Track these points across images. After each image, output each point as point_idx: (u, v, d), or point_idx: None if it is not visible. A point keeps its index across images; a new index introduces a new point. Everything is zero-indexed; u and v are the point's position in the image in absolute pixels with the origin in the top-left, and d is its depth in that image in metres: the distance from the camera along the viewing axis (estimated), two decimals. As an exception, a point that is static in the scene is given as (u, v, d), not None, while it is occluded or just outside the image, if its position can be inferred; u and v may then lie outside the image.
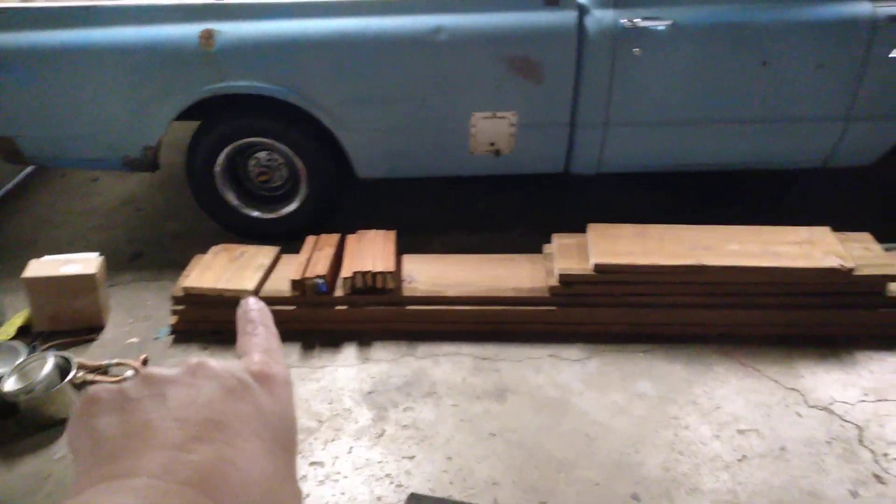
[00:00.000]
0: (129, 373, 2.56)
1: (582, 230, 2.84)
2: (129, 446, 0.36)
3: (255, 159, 3.24)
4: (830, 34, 2.80)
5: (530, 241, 3.04)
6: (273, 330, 0.49)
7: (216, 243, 3.02)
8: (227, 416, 0.38)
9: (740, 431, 2.25)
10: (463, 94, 2.94)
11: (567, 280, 2.66)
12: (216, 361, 0.42)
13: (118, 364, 2.62)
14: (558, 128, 3.01)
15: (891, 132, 3.01)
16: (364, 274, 2.68)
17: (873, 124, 2.98)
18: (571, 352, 2.62)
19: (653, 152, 3.11)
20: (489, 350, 2.65)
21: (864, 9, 2.77)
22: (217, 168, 3.17)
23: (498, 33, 2.82)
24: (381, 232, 2.96)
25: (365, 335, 2.73)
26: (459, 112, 2.97)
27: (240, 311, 0.50)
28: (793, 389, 2.40)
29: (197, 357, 0.41)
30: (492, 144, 3.04)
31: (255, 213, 3.31)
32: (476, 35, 2.82)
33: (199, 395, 0.39)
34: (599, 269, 2.61)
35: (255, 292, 2.73)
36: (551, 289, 2.69)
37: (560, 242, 2.83)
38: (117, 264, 3.29)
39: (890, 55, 2.80)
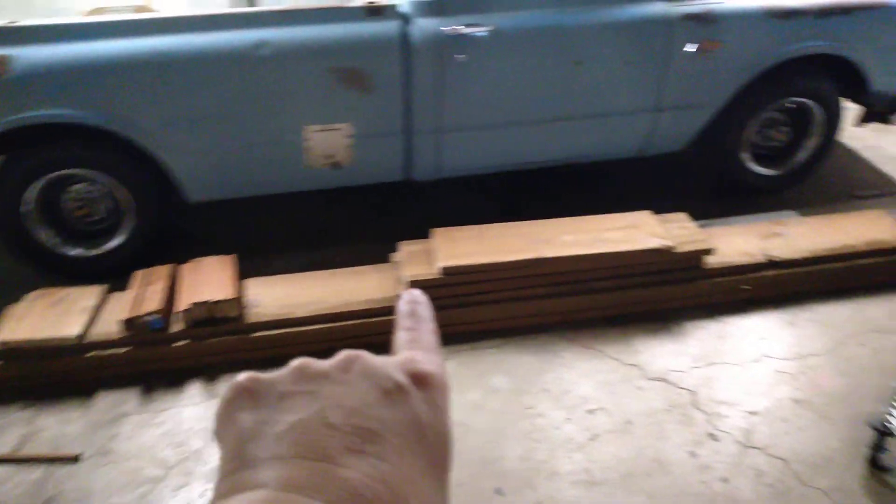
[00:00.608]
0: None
1: (426, 236, 2.87)
2: (272, 451, 0.32)
3: (71, 192, 2.98)
4: (633, 33, 3.02)
5: (377, 251, 3.02)
6: (433, 326, 0.45)
7: (33, 290, 2.74)
8: (382, 424, 0.34)
9: (589, 411, 2.36)
10: (292, 108, 2.88)
11: (417, 286, 2.67)
12: (372, 356, 0.38)
13: (-77, 439, 2.30)
14: (394, 137, 3.02)
15: (695, 120, 3.30)
16: (202, 304, 2.54)
17: (679, 113, 3.26)
18: (426, 357, 2.63)
19: (487, 154, 3.21)
20: (344, 366, 2.60)
21: (660, 8, 3.01)
22: (26, 207, 2.89)
23: (322, 46, 2.79)
24: (218, 258, 2.82)
25: (211, 369, 2.59)
26: (291, 127, 2.90)
27: (401, 304, 0.46)
28: (632, 365, 2.56)
29: (352, 350, 0.37)
30: (329, 157, 3.00)
31: (76, 252, 3.04)
32: (300, 48, 2.77)
33: (352, 395, 0.35)
34: (447, 271, 2.65)
35: (82, 337, 2.51)
36: (401, 297, 2.69)
37: (407, 250, 2.84)
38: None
39: (685, 50, 3.07)
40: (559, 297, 2.76)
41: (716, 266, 2.83)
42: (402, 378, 0.38)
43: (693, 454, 2.18)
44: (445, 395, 0.40)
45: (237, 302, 2.61)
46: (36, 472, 2.20)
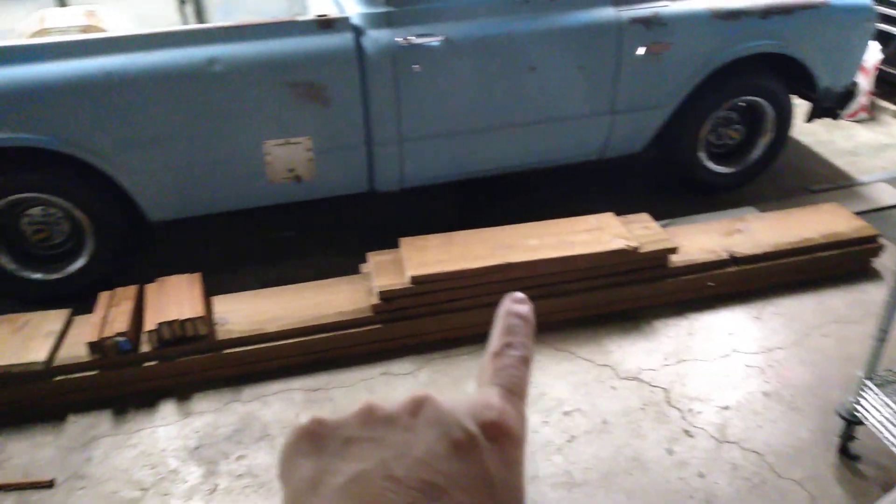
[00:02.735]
0: None
1: (394, 245, 2.87)
2: None
3: (29, 216, 2.91)
4: (584, 38, 3.08)
5: (345, 263, 3.01)
6: (529, 352, 0.42)
7: (-7, 316, 2.68)
8: (449, 479, 0.32)
9: (566, 413, 2.39)
10: (250, 123, 2.85)
11: (387, 296, 2.68)
12: (444, 399, 0.35)
13: None
14: (355, 149, 3.02)
15: (651, 121, 3.37)
16: (171, 323, 2.51)
17: (635, 115, 3.32)
18: (402, 366, 2.64)
19: (449, 162, 3.23)
20: (320, 380, 2.59)
21: (609, 13, 3.07)
22: (-18, 232, 2.82)
23: (276, 60, 2.78)
24: (185, 276, 2.78)
25: (182, 388, 2.55)
26: (249, 142, 2.88)
27: (504, 306, 0.43)
28: (605, 365, 2.60)
29: (423, 391, 0.35)
30: (291, 171, 2.99)
31: (38, 276, 2.97)
32: (253, 64, 2.76)
33: (418, 444, 0.33)
34: (416, 280, 2.65)
35: (48, 362, 2.45)
36: (374, 307, 2.69)
37: (376, 260, 2.84)
38: None
39: (636, 53, 3.14)
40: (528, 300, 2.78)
41: (681, 264, 2.89)
42: (473, 428, 0.35)
43: (670, 451, 2.22)
44: (521, 448, 0.38)
45: (205, 320, 2.57)
46: (8, 501, 2.14)
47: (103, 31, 4.15)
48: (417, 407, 0.36)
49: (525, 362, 0.42)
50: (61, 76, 2.60)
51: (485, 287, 2.72)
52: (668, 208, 3.40)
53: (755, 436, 2.26)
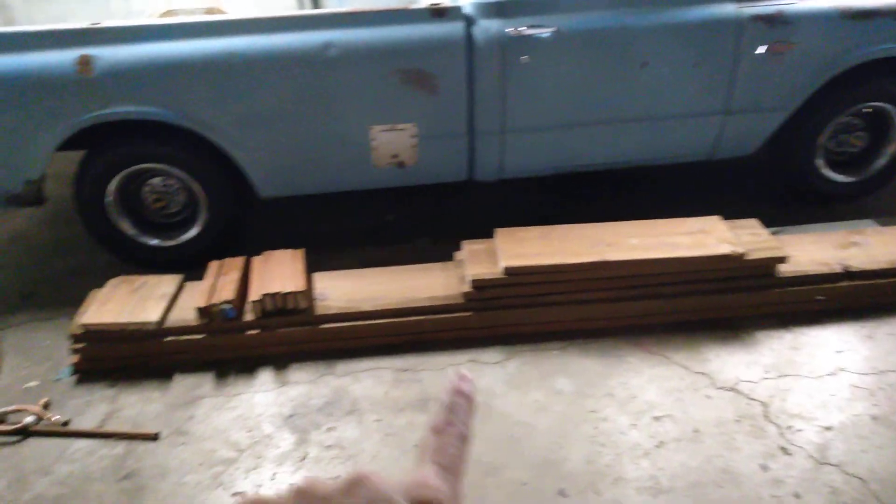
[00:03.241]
0: (30, 419, 2.39)
1: (489, 235, 2.88)
2: None
3: (150, 185, 3.11)
4: (702, 35, 2.97)
5: (441, 250, 3.05)
6: (467, 430, 0.44)
7: (113, 276, 2.88)
8: None
9: (656, 418, 2.33)
10: (359, 108, 2.93)
11: (479, 285, 2.69)
12: (380, 478, 0.37)
13: (16, 410, 2.44)
14: (458, 137, 3.05)
15: (766, 124, 3.22)
16: (274, 296, 2.62)
17: (749, 117, 3.19)
18: (490, 355, 2.65)
19: (550, 155, 3.20)
20: (409, 361, 2.64)
21: (730, 10, 2.96)
22: (108, 198, 3.02)
23: (388, 47, 2.83)
24: (289, 251, 2.90)
25: (280, 358, 2.67)
26: (358, 126, 2.96)
27: (451, 385, 0.45)
28: (700, 373, 2.52)
29: (360, 471, 0.36)
30: (394, 157, 3.05)
31: (154, 242, 3.17)
32: (366, 49, 2.82)
33: None
34: (509, 272, 2.66)
35: (160, 323, 2.61)
36: (465, 295, 2.71)
37: (470, 249, 2.86)
38: (8, 306, 3.07)
39: (756, 52, 3.00)
40: (625, 300, 2.74)
41: (789, 275, 2.76)
42: None
43: (764, 467, 2.13)
44: None
45: (306, 294, 2.67)
46: (118, 448, 2.30)
47: (225, 13, 4.37)
48: (354, 487, 0.36)
49: (464, 441, 0.43)
50: (187, 55, 2.75)
51: (580, 283, 2.69)
52: (778, 215, 3.24)
53: (859, 460, 2.14)
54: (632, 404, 2.39)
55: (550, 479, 2.12)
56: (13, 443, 2.36)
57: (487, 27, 2.86)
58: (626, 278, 2.70)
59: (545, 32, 2.87)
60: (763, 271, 2.74)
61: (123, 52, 2.73)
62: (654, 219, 2.90)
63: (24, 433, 2.38)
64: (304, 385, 2.55)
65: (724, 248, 2.68)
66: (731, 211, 2.96)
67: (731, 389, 2.43)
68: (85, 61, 2.70)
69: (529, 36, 2.86)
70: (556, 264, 2.65)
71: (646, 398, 2.41)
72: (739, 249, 2.67)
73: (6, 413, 2.43)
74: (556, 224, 2.88)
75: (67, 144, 2.87)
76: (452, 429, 0.43)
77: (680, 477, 2.11)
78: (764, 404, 2.36)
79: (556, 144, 3.16)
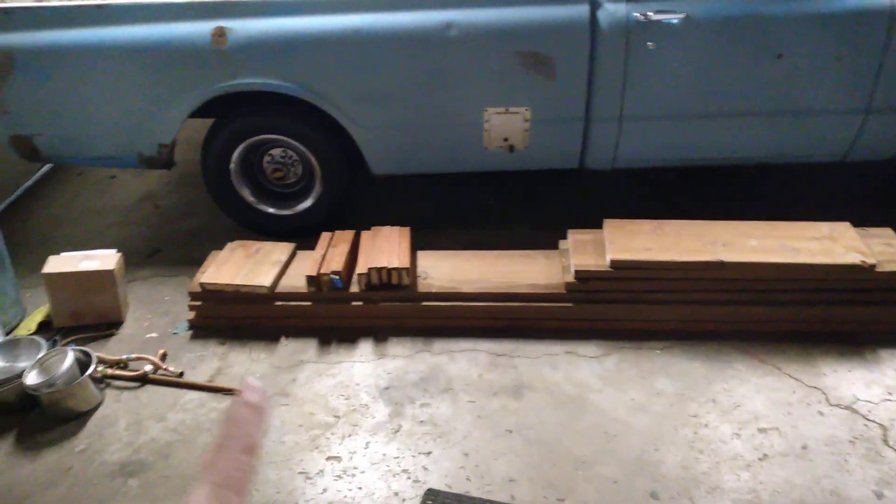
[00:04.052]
0: (149, 367, 2.57)
1: (592, 226, 2.82)
2: None
3: (270, 156, 3.24)
4: (847, 26, 2.75)
5: (541, 237, 3.01)
6: (254, 441, 0.44)
7: (232, 240, 3.03)
8: None
9: (761, 430, 2.22)
10: (475, 89, 2.92)
11: (583, 276, 2.64)
12: None
13: (137, 358, 2.63)
14: (573, 123, 2.98)
15: (913, 125, 2.96)
16: (379, 270, 2.68)
17: (894, 117, 2.93)
18: (588, 349, 2.61)
19: (668, 147, 3.08)
20: (506, 346, 2.64)
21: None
22: (232, 165, 3.18)
23: (509, 28, 2.80)
24: (396, 228, 2.95)
25: (380, 331, 2.73)
26: (472, 108, 2.95)
27: (238, 396, 0.45)
28: (814, 387, 2.37)
29: None
30: (506, 140, 3.02)
31: (271, 210, 3.31)
32: (487, 31, 2.80)
33: None
34: (616, 265, 2.59)
35: (272, 288, 2.73)
36: (567, 285, 2.67)
37: (575, 238, 2.81)
38: (135, 260, 3.30)
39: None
40: (737, 304, 2.61)
41: (924, 291, 2.54)
42: None
43: (879, 495, 1.98)
44: None
45: (410, 271, 2.71)
46: (225, 402, 2.44)
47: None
48: None
49: (249, 452, 0.42)
50: (314, 30, 2.83)
51: (691, 283, 2.59)
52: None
53: None
54: (736, 413, 2.29)
55: (643, 479, 2.07)
56: (133, 388, 2.55)
57: (614, 11, 2.77)
58: (741, 281, 2.57)
59: (674, 18, 2.75)
60: (895, 285, 2.53)
61: (255, 26, 2.84)
62: (776, 220, 2.74)
63: (143, 380, 2.56)
64: (402, 359, 2.60)
65: (853, 258, 2.50)
66: (861, 218, 2.76)
67: (847, 408, 2.28)
68: (220, 33, 2.84)
69: (657, 21, 2.75)
70: (666, 261, 2.56)
71: (752, 408, 2.30)
72: (870, 260, 2.48)
73: (129, 360, 2.63)
74: (669, 219, 2.78)
75: (198, 112, 3.04)
76: (234, 442, 0.43)
77: (782, 494, 2.00)
78: (884, 427, 2.20)
79: (676, 135, 3.03)
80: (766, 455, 2.13)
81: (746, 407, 2.31)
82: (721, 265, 2.52)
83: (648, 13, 2.75)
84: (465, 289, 2.73)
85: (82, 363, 2.50)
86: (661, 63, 2.83)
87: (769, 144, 3.06)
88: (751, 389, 2.38)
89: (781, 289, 2.58)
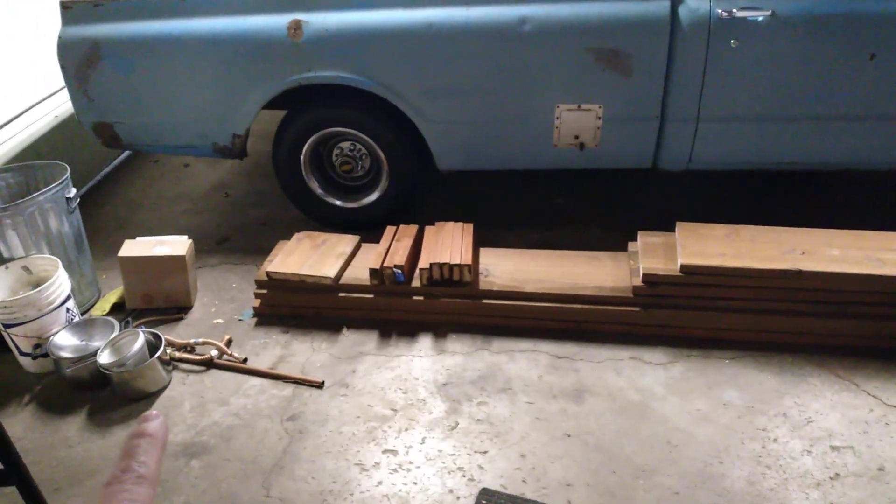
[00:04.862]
0: (214, 352, 2.64)
1: (662, 229, 2.74)
2: None
3: (339, 149, 3.27)
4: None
5: (608, 239, 2.95)
6: (151, 471, 0.44)
7: (299, 230, 3.08)
8: None
9: (834, 448, 2.11)
10: (548, 85, 2.87)
11: (652, 280, 2.57)
12: None
13: (204, 343, 2.70)
14: (647, 122, 2.90)
15: None
16: (441, 266, 2.67)
17: None
18: (654, 355, 2.53)
19: (748, 150, 2.96)
20: (567, 349, 2.59)
21: None
22: (302, 157, 3.23)
23: (585, 24, 2.74)
24: (460, 224, 2.93)
25: (440, 327, 2.72)
26: (544, 104, 2.91)
27: (136, 429, 0.46)
28: (893, 406, 2.24)
29: None
30: (576, 137, 2.97)
31: (338, 202, 3.35)
32: (562, 26, 2.75)
33: None
34: (687, 270, 2.51)
35: (336, 279, 2.76)
36: (635, 289, 2.60)
37: (645, 241, 2.73)
38: (205, 248, 3.40)
39: None
40: (814, 316, 2.49)
41: None
42: None
43: (963, 523, 1.86)
44: None
45: (471, 268, 2.69)
46: (286, 390, 2.48)
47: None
48: None
49: (145, 483, 0.40)
50: (387, 24, 2.84)
51: (766, 292, 2.48)
52: None
53: None
54: (808, 428, 2.18)
55: (705, 493, 1.99)
56: (199, 371, 2.61)
57: (696, 7, 2.68)
58: (819, 292, 2.45)
59: (760, 16, 2.64)
60: None
61: (330, 19, 2.87)
62: (860, 230, 2.60)
63: (209, 364, 2.63)
64: (461, 356, 2.58)
65: (945, 272, 2.34)
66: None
67: (932, 431, 2.14)
68: (296, 26, 2.88)
69: (742, 19, 2.65)
70: (740, 267, 2.46)
71: (825, 424, 2.19)
72: (964, 275, 2.33)
73: (196, 344, 2.70)
74: (745, 224, 2.67)
75: (271, 104, 3.09)
76: (129, 475, 0.42)
77: (857, 518, 1.89)
78: (971, 454, 2.05)
79: (755, 138, 2.91)
80: (838, 474, 2.02)
81: (819, 423, 2.20)
82: (799, 274, 2.41)
83: (733, 10, 2.65)
84: (528, 288, 2.70)
85: (152, 345, 2.58)
86: (743, 62, 2.72)
87: (856, 150, 2.90)
88: (825, 405, 2.26)
89: (863, 301, 2.45)
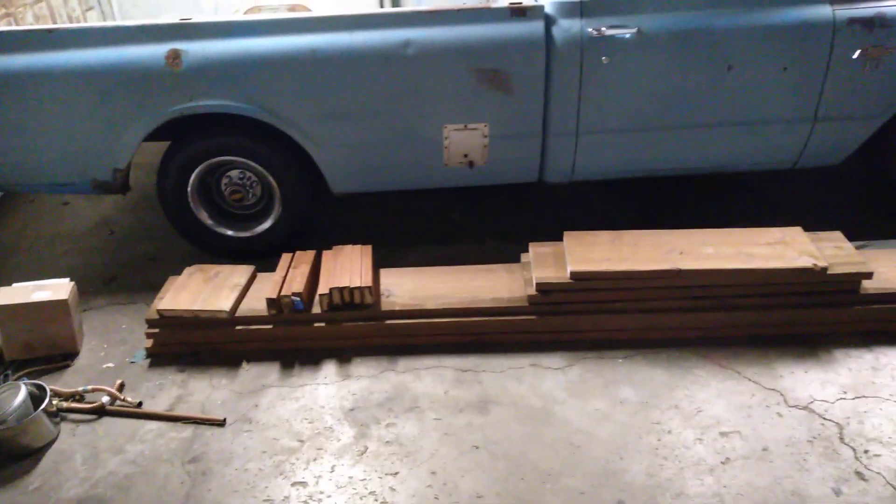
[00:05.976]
0: (106, 399, 2.51)
1: (556, 238, 2.85)
2: None
3: (228, 178, 3.20)
4: (793, 38, 2.85)
5: (506, 251, 3.04)
6: None
7: (190, 264, 2.99)
8: None
9: (723, 434, 2.25)
10: (434, 107, 2.94)
11: (545, 289, 2.66)
12: None
13: (94, 390, 2.56)
14: (530, 138, 3.02)
15: (857, 132, 3.06)
16: (342, 290, 2.66)
17: (840, 125, 3.03)
18: (553, 360, 2.62)
19: (625, 159, 3.14)
20: (470, 362, 2.64)
21: (825, 12, 2.82)
22: (189, 188, 3.14)
23: (466, 46, 2.83)
24: (358, 247, 2.94)
25: (344, 351, 2.71)
26: (431, 125, 2.97)
27: None
28: (772, 390, 2.42)
29: None
30: (465, 156, 3.05)
31: (230, 232, 3.27)
32: (444, 48, 2.83)
33: None
34: (577, 276, 2.62)
35: (232, 312, 2.69)
36: (530, 298, 2.69)
37: (536, 251, 2.83)
38: (90, 288, 3.23)
39: (852, 57, 2.86)
40: (696, 311, 2.65)
41: (873, 291, 2.62)
42: None
43: (837, 492, 2.03)
44: None
45: (372, 290, 2.70)
46: (186, 432, 2.39)
47: (309, 10, 4.47)
48: None
49: None
50: (270, 51, 2.82)
51: (650, 292, 2.63)
52: (865, 229, 3.08)
53: (944, 493, 2.01)
54: (698, 418, 2.32)
55: (609, 489, 2.08)
56: (90, 420, 2.48)
57: (569, 27, 2.82)
58: (698, 288, 2.62)
59: (627, 33, 2.81)
60: (845, 287, 2.60)
61: (210, 48, 2.82)
62: (731, 227, 2.80)
63: (100, 412, 2.49)
64: (367, 379, 2.58)
65: (805, 261, 2.56)
66: (813, 222, 2.83)
67: (805, 408, 2.33)
68: (174, 55, 2.81)
69: (611, 36, 2.81)
70: (625, 270, 2.59)
71: (713, 413, 2.34)
72: (821, 263, 2.55)
73: (84, 392, 2.56)
74: (629, 230, 2.82)
75: (153, 135, 2.99)
76: None
77: (745, 496, 2.03)
78: (839, 426, 2.25)
79: (632, 147, 3.09)
80: (728, 459, 2.16)
81: (708, 412, 2.34)
82: (678, 273, 2.57)
83: (602, 28, 2.80)
84: (429, 305, 2.73)
85: (36, 397, 2.43)
86: (615, 77, 2.89)
87: (723, 154, 3.13)
88: (711, 394, 2.42)
89: (738, 294, 2.63)
